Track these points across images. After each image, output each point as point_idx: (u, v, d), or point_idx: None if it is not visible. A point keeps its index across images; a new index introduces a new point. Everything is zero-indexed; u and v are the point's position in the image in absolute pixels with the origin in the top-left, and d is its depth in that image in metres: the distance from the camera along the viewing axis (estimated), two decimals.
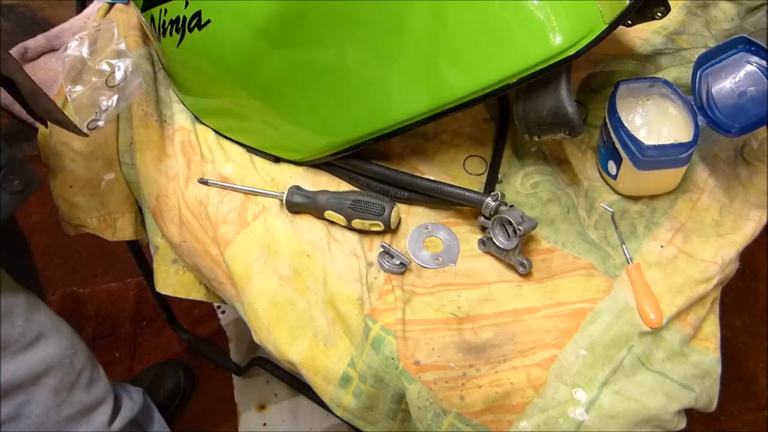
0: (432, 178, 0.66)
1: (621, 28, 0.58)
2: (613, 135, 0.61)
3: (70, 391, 0.67)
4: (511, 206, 0.60)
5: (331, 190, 0.66)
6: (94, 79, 0.70)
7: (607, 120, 0.62)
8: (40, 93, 0.59)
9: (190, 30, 0.61)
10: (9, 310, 0.60)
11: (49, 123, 0.71)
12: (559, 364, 0.53)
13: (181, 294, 0.74)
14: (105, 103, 0.69)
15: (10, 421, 0.62)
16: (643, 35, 0.77)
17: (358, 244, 0.63)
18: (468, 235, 0.64)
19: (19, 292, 0.62)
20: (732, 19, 0.78)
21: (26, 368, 0.62)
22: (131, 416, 0.78)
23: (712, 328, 0.58)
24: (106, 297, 1.33)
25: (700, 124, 0.60)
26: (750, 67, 0.58)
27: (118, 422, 0.75)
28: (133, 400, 0.81)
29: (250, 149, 0.72)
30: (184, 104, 0.75)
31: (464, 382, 0.52)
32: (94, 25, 0.73)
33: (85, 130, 0.68)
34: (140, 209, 0.76)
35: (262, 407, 1.16)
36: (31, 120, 0.71)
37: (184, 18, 0.61)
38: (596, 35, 0.52)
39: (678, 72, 0.71)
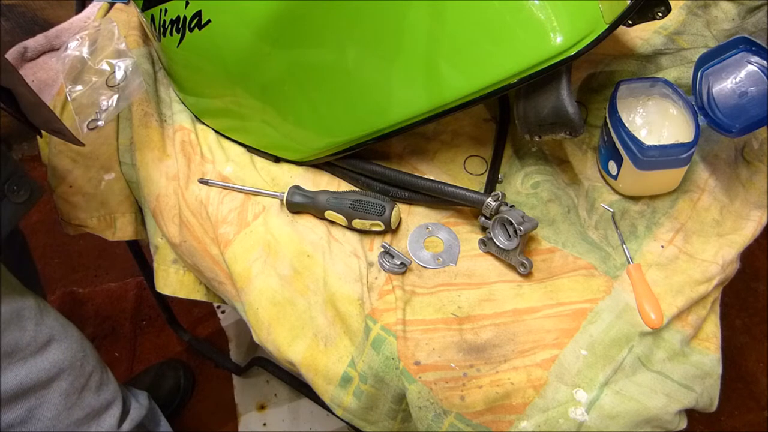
0: (432, 178, 0.65)
1: (621, 28, 0.58)
2: (613, 135, 0.61)
3: (80, 394, 0.67)
4: (512, 206, 0.60)
5: (332, 190, 0.66)
6: (94, 79, 0.70)
7: (608, 120, 0.62)
8: (41, 104, 0.59)
9: (191, 30, 0.61)
10: (19, 315, 0.61)
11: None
12: (560, 364, 0.53)
13: (181, 294, 0.74)
14: (105, 102, 0.69)
15: (21, 424, 0.62)
16: (643, 35, 0.77)
17: (358, 244, 0.63)
18: (468, 235, 0.64)
19: (28, 296, 0.62)
20: (733, 19, 0.78)
21: (38, 372, 0.62)
22: (139, 419, 0.78)
23: (712, 329, 0.58)
24: (106, 297, 1.33)
25: (700, 124, 0.60)
26: (751, 67, 0.58)
27: (127, 425, 0.75)
28: (140, 404, 0.81)
29: (251, 149, 0.72)
30: (184, 104, 0.75)
31: (465, 383, 0.52)
32: (94, 24, 0.74)
33: (85, 130, 0.68)
34: (140, 209, 0.76)
35: (262, 407, 1.16)
36: None
37: (185, 18, 0.61)
38: (597, 35, 0.51)
39: (679, 72, 0.71)
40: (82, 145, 0.64)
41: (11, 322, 0.59)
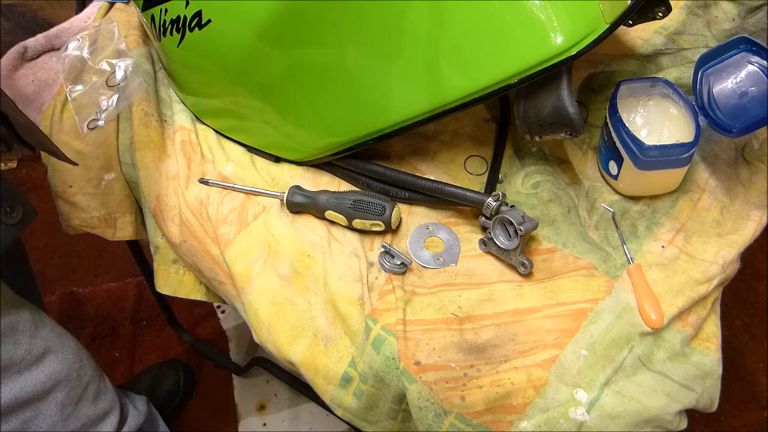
0: (432, 178, 0.65)
1: (622, 28, 0.58)
2: (614, 135, 0.61)
3: (77, 405, 0.67)
4: (512, 206, 0.60)
5: (332, 190, 0.66)
6: (94, 79, 0.70)
7: (608, 120, 0.62)
8: (32, 127, 0.59)
9: (191, 30, 0.61)
10: (13, 328, 0.60)
11: (44, 121, 0.71)
12: (560, 364, 0.53)
13: (181, 294, 0.74)
14: (105, 102, 0.69)
15: None
16: (644, 35, 0.77)
17: (358, 244, 0.63)
18: (469, 235, 0.64)
19: (23, 309, 0.62)
20: (733, 19, 0.78)
21: (33, 385, 0.62)
22: (137, 426, 0.78)
23: (713, 329, 0.58)
24: (106, 297, 1.33)
25: (701, 124, 0.60)
26: (751, 67, 0.58)
27: None
28: (138, 410, 0.81)
29: (251, 149, 0.72)
30: (184, 104, 0.75)
31: (465, 383, 0.52)
32: (94, 24, 0.74)
33: (85, 130, 0.68)
34: (140, 209, 0.76)
35: (262, 407, 1.16)
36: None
37: (185, 18, 0.61)
38: (597, 35, 0.51)
39: (679, 72, 0.71)
40: (75, 164, 0.64)
41: (5, 337, 0.59)
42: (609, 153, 0.63)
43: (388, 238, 0.63)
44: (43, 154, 0.74)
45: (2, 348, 0.59)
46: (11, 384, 0.60)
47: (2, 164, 1.60)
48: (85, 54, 0.71)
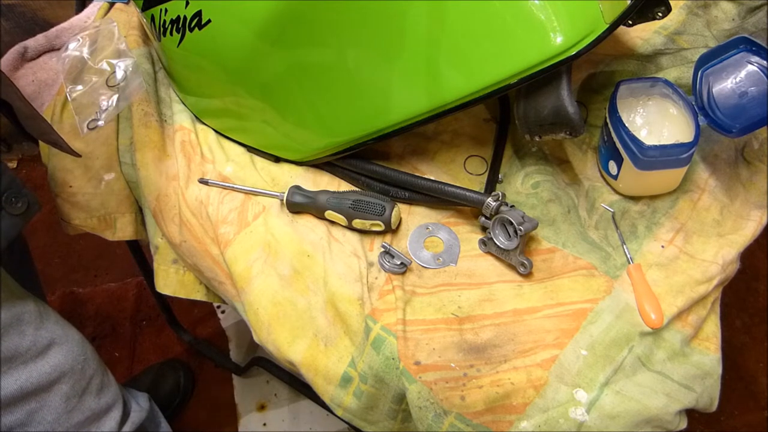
0: (432, 178, 0.65)
1: (622, 28, 0.58)
2: (613, 135, 0.61)
3: (81, 398, 0.67)
4: (512, 206, 0.60)
5: (332, 190, 0.66)
6: (94, 79, 0.70)
7: (608, 120, 0.62)
8: (37, 116, 0.59)
9: (191, 30, 0.61)
10: (19, 319, 0.61)
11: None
12: (560, 364, 0.53)
13: (181, 294, 0.74)
14: (105, 102, 0.69)
15: (21, 427, 0.62)
16: (643, 35, 0.77)
17: (358, 244, 0.63)
18: (468, 235, 0.64)
19: (27, 301, 0.62)
20: (733, 19, 0.78)
21: (38, 376, 0.62)
22: (139, 422, 0.78)
23: (712, 329, 0.58)
24: (106, 297, 1.33)
25: (701, 124, 0.60)
26: (751, 67, 0.58)
27: (127, 428, 0.75)
28: (140, 406, 0.81)
29: (251, 149, 0.72)
30: (184, 104, 0.75)
31: (465, 383, 0.52)
32: (94, 24, 0.74)
33: (85, 130, 0.68)
34: (140, 209, 0.76)
35: (262, 407, 1.16)
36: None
37: (185, 18, 0.61)
38: (597, 35, 0.51)
39: (679, 72, 0.71)
40: (78, 156, 0.64)
41: (11, 327, 0.59)
42: (609, 153, 0.63)
43: (388, 238, 0.63)
44: (43, 154, 0.74)
45: (8, 339, 0.59)
46: (16, 374, 0.60)
47: None
48: (85, 54, 0.71)
